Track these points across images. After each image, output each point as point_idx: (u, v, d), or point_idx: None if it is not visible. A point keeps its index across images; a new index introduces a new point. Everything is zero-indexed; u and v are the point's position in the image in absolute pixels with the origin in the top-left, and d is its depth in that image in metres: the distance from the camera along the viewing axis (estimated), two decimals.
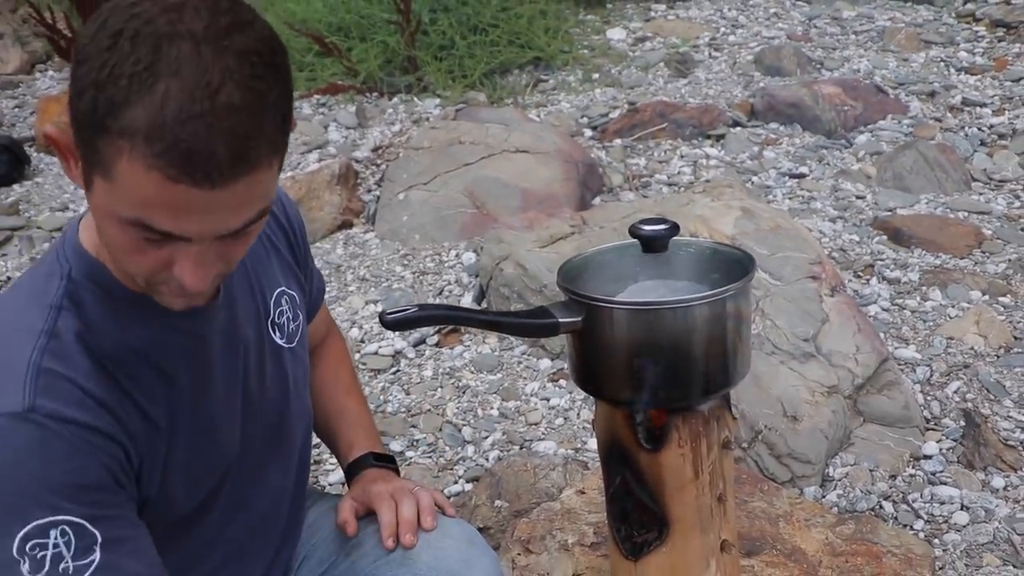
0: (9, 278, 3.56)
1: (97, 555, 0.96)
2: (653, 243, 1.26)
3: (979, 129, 4.23)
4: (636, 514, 1.37)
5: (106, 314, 1.04)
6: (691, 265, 1.30)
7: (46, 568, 0.94)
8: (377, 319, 2.96)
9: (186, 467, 1.12)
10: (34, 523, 0.93)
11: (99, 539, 0.97)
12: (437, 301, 3.05)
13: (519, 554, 1.63)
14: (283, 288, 1.29)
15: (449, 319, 1.22)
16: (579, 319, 1.21)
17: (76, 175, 0.95)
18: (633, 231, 1.26)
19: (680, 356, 1.21)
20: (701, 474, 1.30)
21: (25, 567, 0.93)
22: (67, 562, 0.95)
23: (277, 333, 1.28)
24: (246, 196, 0.89)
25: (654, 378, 1.22)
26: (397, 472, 1.45)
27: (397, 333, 2.85)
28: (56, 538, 0.94)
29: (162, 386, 1.08)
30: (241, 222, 0.91)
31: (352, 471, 1.44)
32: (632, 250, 1.30)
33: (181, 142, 0.83)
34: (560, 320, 1.21)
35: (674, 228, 1.25)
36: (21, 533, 0.93)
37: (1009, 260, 3.22)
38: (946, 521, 2.10)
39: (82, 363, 1.00)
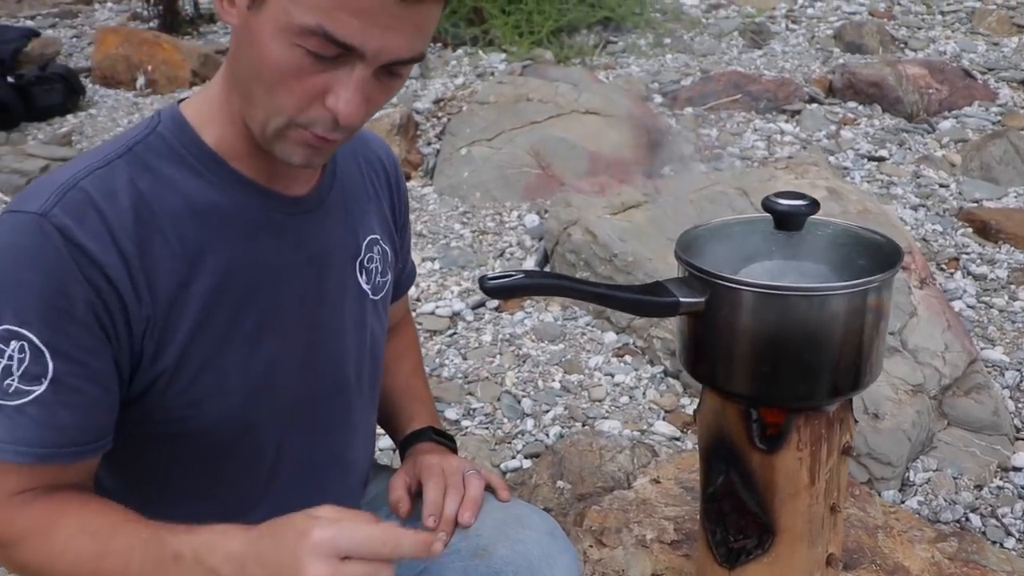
0: None
1: (41, 388, 0.92)
2: (789, 220, 1.12)
3: None
4: (735, 518, 1.25)
5: (184, 171, 1.00)
6: (826, 248, 1.15)
7: None
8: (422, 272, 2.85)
9: (214, 362, 1.01)
10: (3, 326, 0.90)
11: (50, 373, 0.92)
12: (497, 263, 2.93)
13: (591, 546, 1.51)
14: (377, 237, 1.19)
15: (556, 289, 1.09)
16: (702, 299, 1.08)
17: (228, 11, 0.94)
18: (768, 205, 1.11)
19: (812, 350, 1.07)
20: (817, 481, 1.17)
21: None
22: (14, 379, 0.91)
23: (364, 277, 1.18)
24: (424, 23, 0.91)
25: (780, 372, 1.09)
26: (455, 451, 1.34)
27: (456, 294, 2.73)
28: (14, 351, 0.90)
29: (214, 261, 1.00)
30: (411, 52, 0.91)
31: (407, 444, 1.33)
32: (761, 225, 1.15)
33: None
34: (681, 299, 1.08)
35: (814, 205, 1.11)
36: None
37: None
38: None
39: (121, 203, 0.95)
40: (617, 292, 1.09)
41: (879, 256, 1.12)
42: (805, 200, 1.11)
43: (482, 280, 1.04)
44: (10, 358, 0.90)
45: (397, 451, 1.39)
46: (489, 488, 1.24)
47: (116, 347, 0.95)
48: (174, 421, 1.03)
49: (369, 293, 1.19)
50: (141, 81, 4.67)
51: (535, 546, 1.17)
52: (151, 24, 5.38)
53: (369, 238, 1.19)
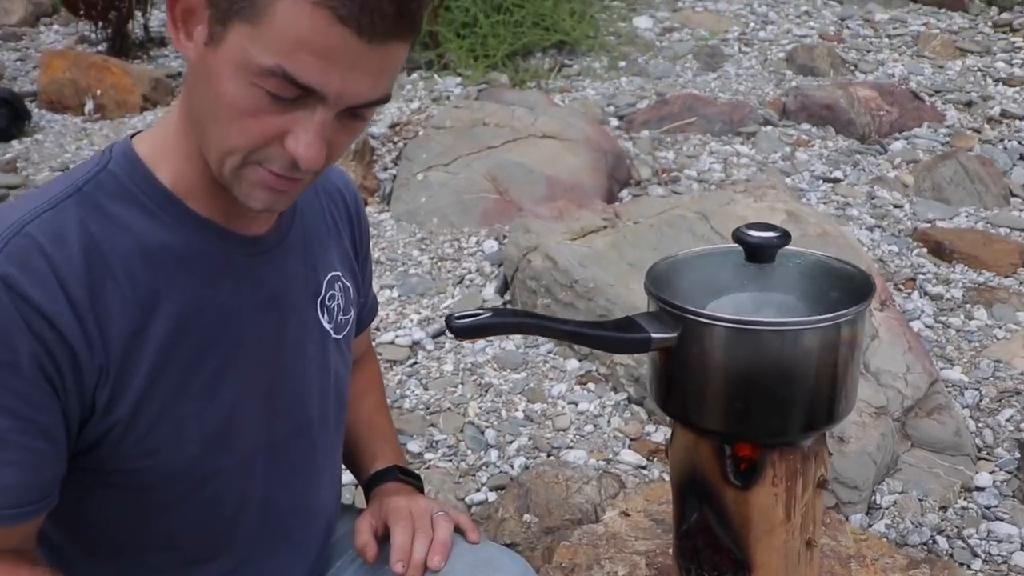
0: None
1: None
2: (760, 252, 1.10)
3: (1019, 143, 4.08)
4: (709, 554, 1.22)
5: (135, 211, 0.95)
6: (797, 280, 1.14)
7: None
8: (384, 302, 2.80)
9: (172, 409, 0.96)
10: None
11: None
12: (457, 290, 2.89)
13: None
14: (338, 273, 1.16)
15: (525, 327, 1.06)
16: (674, 335, 1.05)
17: (186, 44, 0.90)
18: (738, 237, 1.10)
19: (786, 385, 1.06)
20: (793, 516, 1.15)
21: None
22: None
23: (326, 316, 1.14)
24: (388, 64, 0.87)
25: (754, 408, 1.07)
26: (421, 491, 1.30)
27: (416, 323, 2.69)
28: None
29: (170, 305, 0.95)
30: (376, 94, 0.88)
31: (372, 484, 1.30)
32: (732, 257, 1.14)
33: None
34: (652, 335, 1.05)
35: (785, 236, 1.10)
36: None
37: None
38: (1005, 562, 1.96)
39: (71, 247, 0.90)
40: (587, 330, 1.07)
41: (851, 287, 1.11)
42: (776, 232, 1.10)
43: (449, 320, 1.00)
44: None
45: (359, 487, 1.35)
46: (458, 530, 1.21)
47: (64, 400, 0.90)
48: (128, 472, 0.98)
49: (331, 332, 1.15)
50: (89, 106, 4.57)
51: None
52: (99, 47, 5.28)
53: (330, 275, 1.15)
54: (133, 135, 1.01)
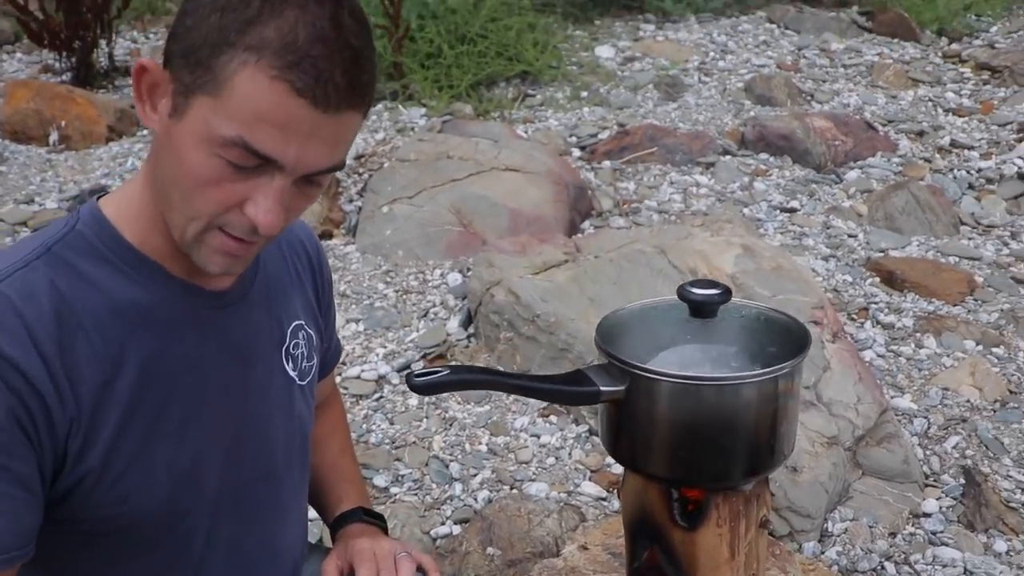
0: None
1: None
2: (703, 308, 1.17)
3: (967, 172, 4.21)
4: None
5: (105, 269, 1.00)
6: (739, 332, 1.21)
7: None
8: (350, 338, 2.84)
9: (141, 457, 1.01)
10: None
11: None
12: (421, 323, 2.94)
13: None
14: (301, 322, 1.21)
15: (482, 383, 1.12)
16: (622, 388, 1.12)
17: (151, 116, 0.96)
18: (682, 294, 1.16)
19: (728, 435, 1.12)
20: (737, 555, 1.22)
21: None
22: None
23: (290, 364, 1.19)
24: (344, 133, 0.93)
25: (697, 456, 1.13)
26: (385, 531, 1.36)
27: (381, 357, 2.74)
28: None
29: (136, 358, 1.00)
30: (331, 161, 0.94)
31: (338, 525, 1.35)
32: (676, 311, 1.20)
33: (310, 58, 0.88)
34: (601, 388, 1.11)
35: (726, 293, 1.16)
36: None
37: (1001, 310, 3.19)
38: None
39: (42, 305, 0.95)
40: (540, 384, 1.13)
41: (788, 340, 1.17)
42: (718, 289, 1.17)
43: (408, 377, 1.06)
44: None
45: (326, 524, 1.40)
46: (421, 570, 1.26)
47: (39, 452, 0.95)
48: (99, 519, 1.02)
49: (296, 379, 1.21)
50: (54, 137, 4.57)
51: None
52: (64, 77, 5.28)
53: (294, 324, 1.21)
54: (99, 197, 1.07)
